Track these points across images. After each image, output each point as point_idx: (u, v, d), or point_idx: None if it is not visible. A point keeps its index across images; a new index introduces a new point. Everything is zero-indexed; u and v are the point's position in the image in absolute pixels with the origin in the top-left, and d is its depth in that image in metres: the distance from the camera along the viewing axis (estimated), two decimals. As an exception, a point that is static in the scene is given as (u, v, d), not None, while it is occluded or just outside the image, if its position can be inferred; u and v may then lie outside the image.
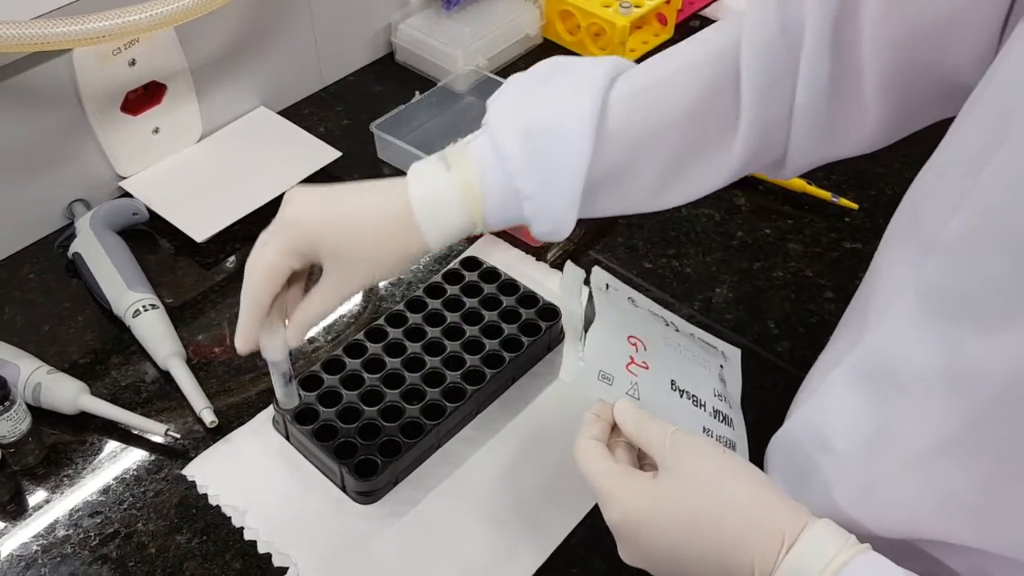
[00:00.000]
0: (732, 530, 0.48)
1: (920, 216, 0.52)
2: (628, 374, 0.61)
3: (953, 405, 0.47)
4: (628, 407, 0.55)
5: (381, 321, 0.78)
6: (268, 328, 0.66)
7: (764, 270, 0.88)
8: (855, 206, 0.94)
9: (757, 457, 0.67)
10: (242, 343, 0.61)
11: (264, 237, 0.60)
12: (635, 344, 0.63)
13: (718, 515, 0.49)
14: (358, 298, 0.86)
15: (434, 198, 0.58)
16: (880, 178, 0.97)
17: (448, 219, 0.58)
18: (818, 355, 0.66)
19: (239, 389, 0.78)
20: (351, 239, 0.58)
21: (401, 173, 1.02)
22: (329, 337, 0.83)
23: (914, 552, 0.53)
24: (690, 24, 1.21)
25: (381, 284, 0.87)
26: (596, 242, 0.91)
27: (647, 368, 0.62)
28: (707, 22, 1.21)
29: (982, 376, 0.44)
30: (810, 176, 0.94)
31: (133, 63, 0.88)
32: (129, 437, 0.75)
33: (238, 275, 0.87)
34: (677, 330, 0.72)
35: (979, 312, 0.45)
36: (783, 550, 0.46)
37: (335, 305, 0.60)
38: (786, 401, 0.69)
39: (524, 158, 0.57)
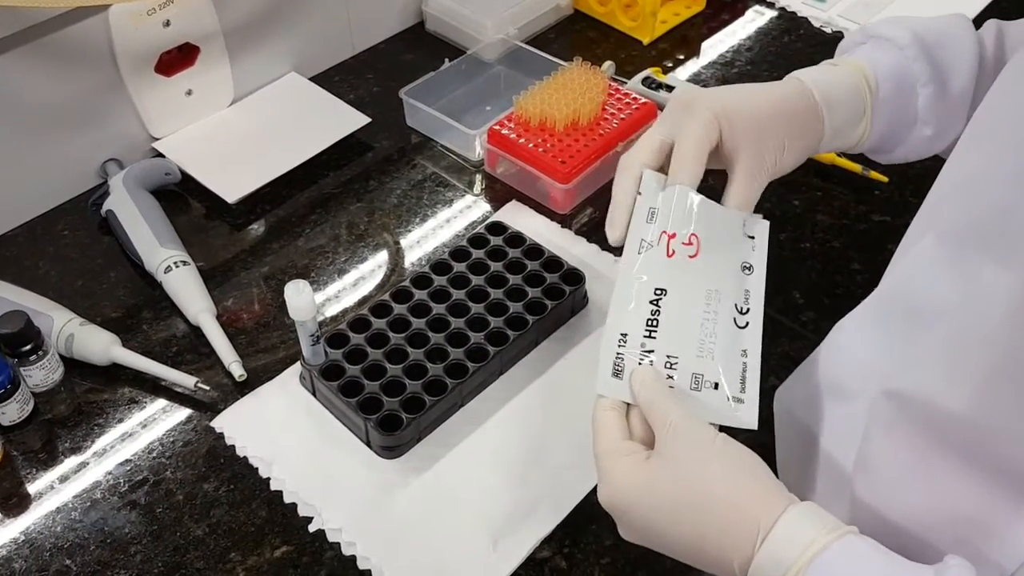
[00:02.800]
0: (711, 520, 0.48)
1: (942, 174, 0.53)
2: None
3: (970, 337, 0.46)
4: (646, 377, 0.55)
5: (406, 283, 0.79)
6: (296, 289, 0.67)
7: (791, 240, 0.88)
8: (885, 179, 0.93)
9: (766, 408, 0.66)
10: (614, 234, 0.62)
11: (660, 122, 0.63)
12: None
13: (698, 505, 0.49)
14: (384, 262, 0.87)
15: (828, 82, 0.63)
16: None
17: (843, 103, 0.63)
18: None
19: (268, 347, 0.80)
20: (760, 119, 0.61)
21: (429, 140, 1.04)
22: (356, 299, 0.83)
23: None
24: (722, -3, 1.21)
25: (407, 247, 0.88)
26: (622, 210, 0.91)
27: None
28: (739, -4, 1.21)
29: (997, 303, 0.44)
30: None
31: (167, 24, 0.89)
32: (159, 389, 0.77)
33: (268, 236, 0.89)
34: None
35: (994, 241, 0.45)
36: (759, 540, 0.47)
37: (755, 193, 0.61)
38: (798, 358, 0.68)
39: (919, 47, 0.64)
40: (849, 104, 0.64)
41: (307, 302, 0.68)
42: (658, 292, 0.59)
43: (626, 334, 0.58)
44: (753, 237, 0.64)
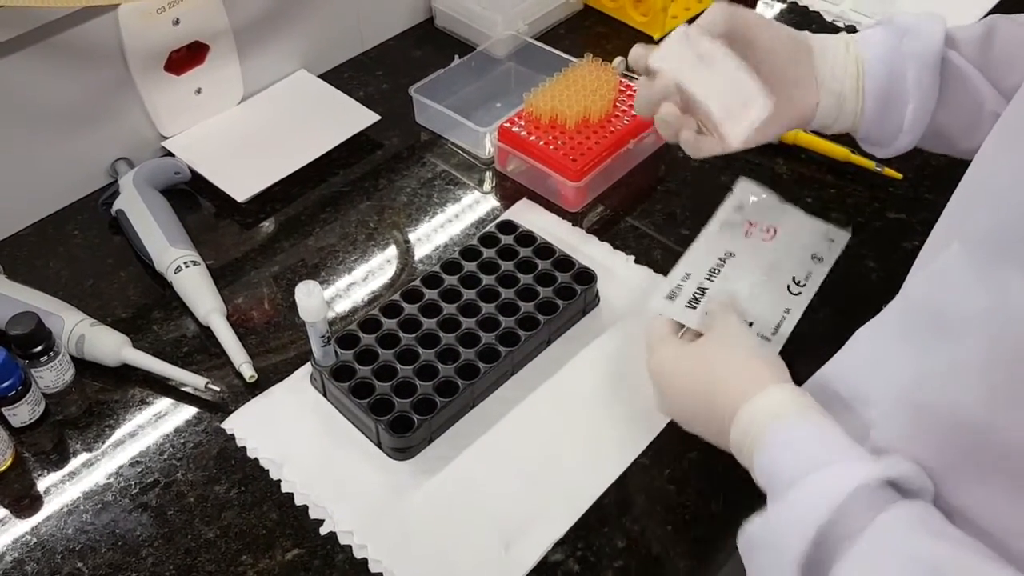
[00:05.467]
0: (720, 380, 0.61)
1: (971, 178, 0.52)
2: None
3: (997, 348, 0.46)
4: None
5: (417, 282, 0.79)
6: (306, 291, 0.66)
7: (804, 239, 0.87)
8: (899, 176, 0.92)
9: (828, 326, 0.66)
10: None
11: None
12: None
13: (713, 370, 0.62)
14: (394, 261, 0.87)
15: (826, 45, 0.71)
16: (926, 149, 0.96)
17: (834, 58, 0.70)
18: (860, 323, 0.65)
19: (278, 347, 0.79)
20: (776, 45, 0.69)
21: (439, 137, 1.04)
22: (366, 298, 0.83)
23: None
24: (734, -8, 1.19)
25: (417, 246, 0.88)
26: (633, 208, 0.91)
27: None
28: (751, -10, 1.19)
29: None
30: (854, 145, 0.93)
31: (177, 22, 0.89)
32: (170, 390, 0.76)
33: (279, 235, 0.89)
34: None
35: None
36: (744, 401, 0.58)
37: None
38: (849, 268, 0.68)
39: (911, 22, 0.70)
40: (839, 57, 0.70)
41: (318, 303, 0.68)
42: (728, 254, 0.73)
43: (689, 274, 0.72)
44: (833, 240, 0.76)
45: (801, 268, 0.74)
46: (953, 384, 0.48)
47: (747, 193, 0.77)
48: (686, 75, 0.64)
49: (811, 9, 1.16)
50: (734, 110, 0.64)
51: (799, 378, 0.65)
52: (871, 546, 0.47)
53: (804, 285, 0.74)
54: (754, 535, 0.54)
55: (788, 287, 0.73)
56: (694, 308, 0.70)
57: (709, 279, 0.72)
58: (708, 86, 0.64)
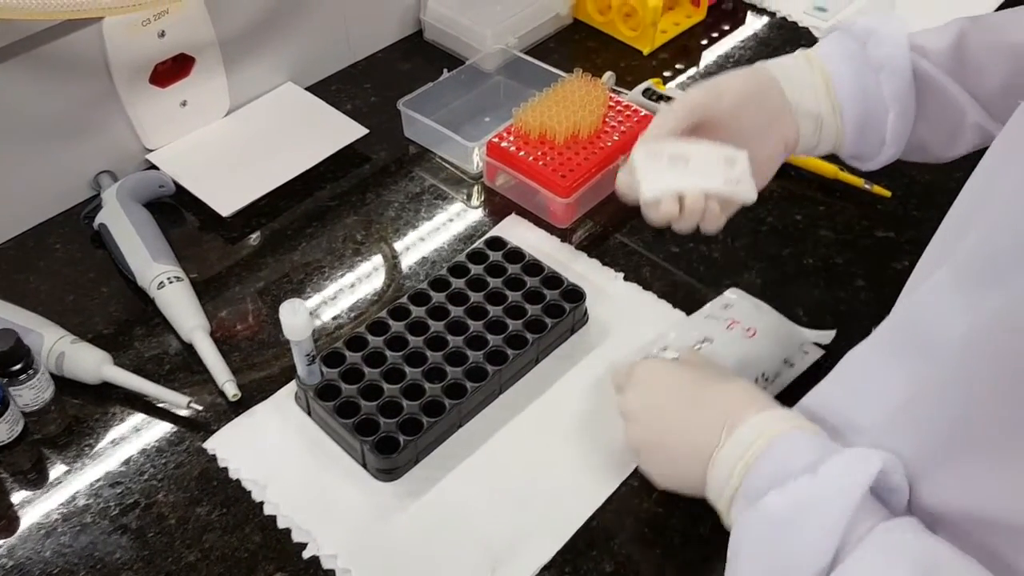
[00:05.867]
0: (710, 397, 0.61)
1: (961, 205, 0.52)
2: None
3: (977, 367, 0.46)
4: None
5: (404, 300, 0.78)
6: (291, 309, 0.65)
7: (794, 256, 0.87)
8: (888, 193, 0.92)
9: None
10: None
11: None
12: None
13: (695, 394, 0.63)
14: (381, 276, 0.86)
15: (786, 64, 0.70)
16: (914, 165, 0.95)
17: (802, 80, 0.69)
18: (848, 344, 0.65)
19: (262, 363, 0.78)
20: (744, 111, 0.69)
21: (427, 151, 1.03)
22: (352, 315, 0.82)
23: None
24: (722, 6, 1.19)
25: (405, 262, 0.87)
26: (623, 225, 0.90)
27: None
28: (740, 3, 1.19)
29: (1008, 331, 0.43)
30: (842, 162, 0.92)
31: (162, 35, 0.88)
32: (151, 408, 0.75)
33: (264, 250, 0.87)
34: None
35: (1010, 271, 0.44)
36: (741, 422, 0.57)
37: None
38: (819, 372, 0.67)
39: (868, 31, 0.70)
40: (807, 79, 0.69)
41: (303, 322, 0.67)
42: (706, 339, 0.73)
43: (666, 347, 0.73)
44: (807, 353, 0.76)
45: (772, 366, 0.74)
46: (939, 402, 0.48)
47: (736, 295, 0.78)
48: (679, 184, 0.64)
49: (801, 25, 1.16)
50: (731, 176, 0.65)
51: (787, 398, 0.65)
52: (880, 542, 0.47)
53: (771, 382, 0.74)
54: (775, 514, 0.51)
55: (756, 380, 0.73)
56: None
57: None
58: (700, 177, 0.64)
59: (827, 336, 0.77)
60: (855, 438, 0.55)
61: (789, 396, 0.73)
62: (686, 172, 0.63)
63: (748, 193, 0.65)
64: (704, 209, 0.66)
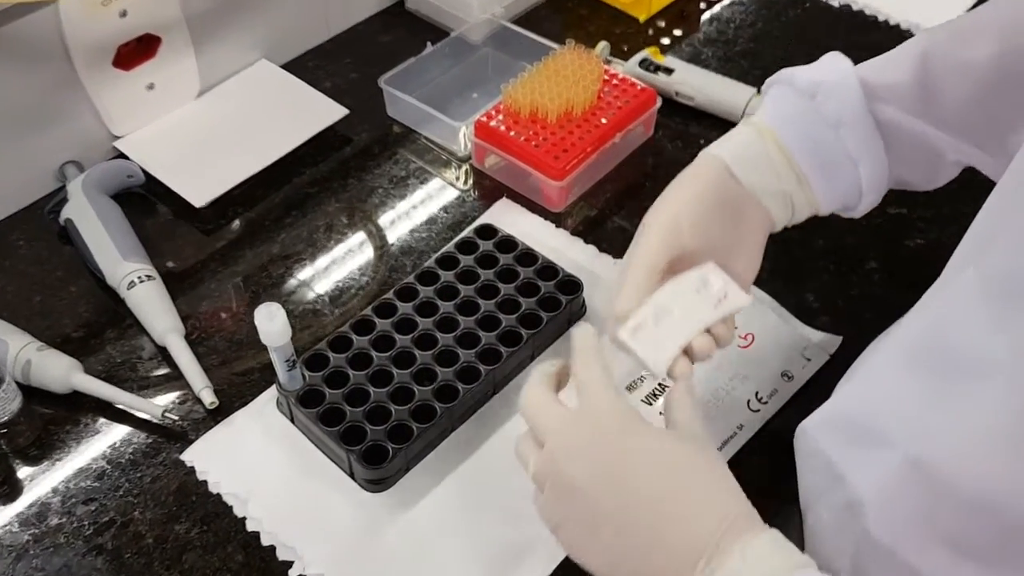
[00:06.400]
0: (677, 511, 0.47)
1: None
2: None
3: (1014, 391, 0.42)
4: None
5: (390, 295, 0.73)
6: (267, 314, 0.61)
7: (802, 238, 0.82)
8: (900, 167, 0.87)
9: (783, 440, 0.62)
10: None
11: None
12: None
13: (666, 495, 0.47)
14: (366, 269, 0.81)
15: (742, 155, 0.61)
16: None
17: (755, 156, 0.61)
18: (860, 330, 0.62)
19: (242, 364, 0.74)
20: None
21: (412, 132, 0.98)
22: (335, 311, 0.78)
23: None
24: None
25: (390, 252, 0.82)
26: (621, 207, 0.85)
27: None
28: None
29: None
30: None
31: (124, 14, 0.82)
32: (125, 417, 0.71)
33: (241, 241, 0.83)
34: None
35: None
36: (704, 562, 0.44)
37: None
38: (825, 382, 0.64)
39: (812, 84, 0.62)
40: (763, 170, 0.61)
41: (280, 327, 0.62)
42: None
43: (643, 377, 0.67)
44: (810, 360, 0.71)
45: (767, 384, 0.70)
46: (968, 440, 0.44)
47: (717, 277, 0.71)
48: (681, 341, 0.57)
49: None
50: (715, 296, 0.58)
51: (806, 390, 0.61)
52: None
53: (766, 403, 0.70)
54: None
55: (748, 402, 0.69)
56: (649, 405, 0.69)
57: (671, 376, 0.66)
58: (692, 319, 0.57)
59: (832, 343, 0.73)
60: (884, 453, 0.51)
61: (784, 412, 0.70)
62: (677, 323, 0.57)
63: (740, 301, 0.58)
64: (710, 348, 0.58)
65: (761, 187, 0.61)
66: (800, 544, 0.58)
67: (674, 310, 0.56)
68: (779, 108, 0.63)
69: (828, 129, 0.61)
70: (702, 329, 0.57)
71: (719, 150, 0.62)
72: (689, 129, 0.93)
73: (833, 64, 0.63)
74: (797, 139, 0.61)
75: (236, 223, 0.85)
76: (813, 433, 0.60)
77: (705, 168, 0.61)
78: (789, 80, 0.63)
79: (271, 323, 0.62)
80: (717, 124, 0.92)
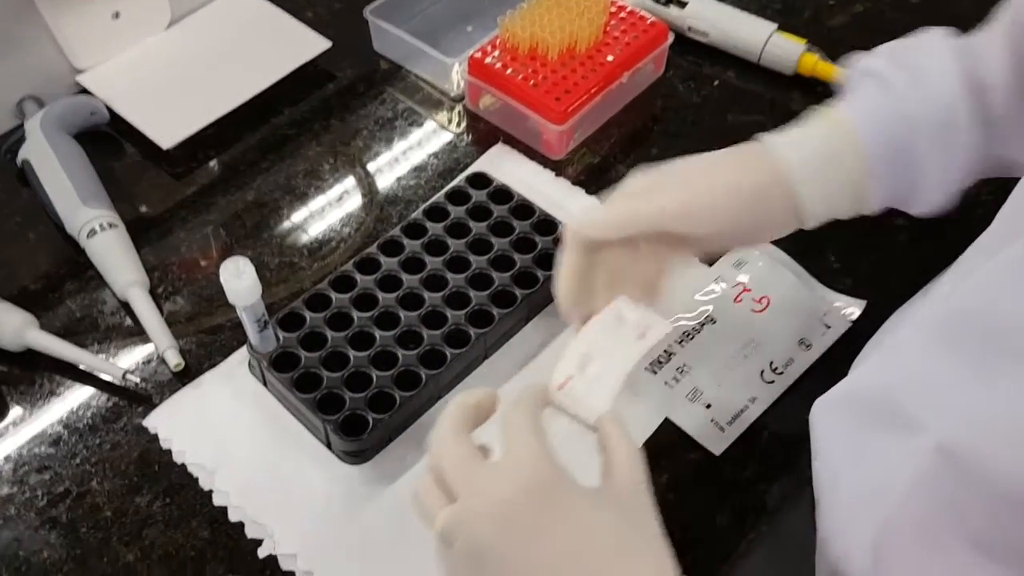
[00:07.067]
0: None
1: None
2: None
3: None
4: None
5: (373, 249, 0.67)
6: (234, 270, 0.55)
7: (823, 191, 0.76)
8: (931, 114, 0.80)
9: (798, 416, 0.56)
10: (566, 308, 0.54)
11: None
12: None
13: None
14: (348, 219, 0.75)
15: (809, 161, 0.53)
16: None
17: (828, 180, 0.53)
18: (885, 294, 0.57)
19: (212, 321, 0.68)
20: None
21: (401, 68, 0.90)
22: (314, 265, 0.71)
23: None
24: None
25: (375, 201, 0.76)
26: (626, 154, 0.78)
27: None
28: None
29: None
30: (879, 77, 0.80)
31: (81, -68, 0.74)
32: (83, 378, 0.65)
33: (213, 187, 0.76)
34: None
35: None
36: None
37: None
38: (846, 352, 0.58)
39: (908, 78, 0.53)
40: (834, 174, 0.53)
41: (248, 284, 0.56)
42: (709, 319, 0.66)
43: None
44: (830, 327, 0.66)
45: (783, 353, 0.65)
46: (1009, 428, 0.39)
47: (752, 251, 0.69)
48: (612, 389, 0.51)
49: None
50: (634, 330, 0.53)
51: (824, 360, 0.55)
52: None
53: (781, 373, 0.64)
54: None
55: (762, 372, 0.64)
56: (654, 373, 0.64)
57: (680, 343, 0.65)
58: (618, 361, 0.52)
59: (856, 307, 0.67)
60: (913, 437, 0.46)
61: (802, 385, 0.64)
62: (603, 369, 0.51)
63: (662, 329, 0.53)
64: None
65: (821, 212, 0.54)
66: (813, 526, 0.53)
67: (597, 354, 0.51)
68: (868, 108, 0.54)
69: (925, 144, 0.53)
70: (632, 367, 0.51)
71: (788, 151, 0.53)
72: (703, 69, 0.85)
73: (932, 50, 0.54)
74: (886, 161, 0.53)
75: (208, 166, 0.78)
76: (832, 410, 0.55)
77: (753, 164, 0.53)
78: (881, 75, 0.54)
79: (238, 280, 0.55)
80: (734, 62, 0.85)
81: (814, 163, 0.53)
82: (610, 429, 0.47)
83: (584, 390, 0.50)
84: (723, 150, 0.54)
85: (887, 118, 0.53)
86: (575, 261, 0.53)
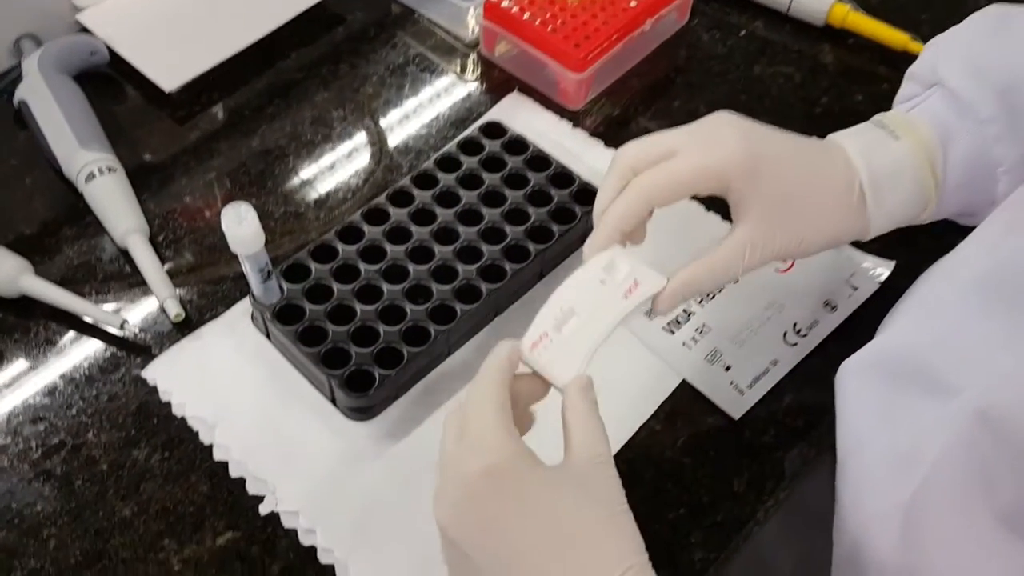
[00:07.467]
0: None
1: None
2: None
3: None
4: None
5: (382, 199, 0.64)
6: (235, 216, 0.52)
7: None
8: (968, 70, 0.76)
9: (822, 381, 0.54)
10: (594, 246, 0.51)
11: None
12: None
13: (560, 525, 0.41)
14: (356, 168, 0.72)
15: (882, 166, 0.52)
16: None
17: (898, 196, 0.52)
18: (914, 255, 0.56)
19: (215, 272, 0.66)
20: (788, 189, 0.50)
21: (413, 12, 0.87)
22: (321, 215, 0.69)
23: None
24: None
25: (384, 150, 0.73)
26: (648, 106, 0.75)
27: None
28: None
29: None
30: (914, 27, 0.77)
31: None
32: (80, 327, 0.63)
33: (216, 133, 0.73)
34: None
35: None
36: None
37: (736, 272, 0.50)
38: (873, 315, 0.56)
39: (1005, 121, 0.51)
40: (905, 193, 0.53)
41: (251, 231, 0.54)
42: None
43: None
44: (857, 288, 0.63)
45: (807, 316, 0.62)
46: None
47: None
48: (587, 348, 0.48)
49: None
50: (622, 283, 0.50)
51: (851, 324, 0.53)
52: None
53: (804, 336, 0.61)
54: None
55: (785, 334, 0.61)
56: (671, 333, 0.61)
57: (700, 302, 0.62)
58: (600, 317, 0.49)
59: (884, 268, 0.64)
60: (947, 401, 0.43)
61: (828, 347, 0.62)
62: (583, 326, 0.48)
63: (653, 286, 0.50)
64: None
65: (882, 211, 0.53)
66: (832, 494, 0.51)
67: (578, 310, 0.48)
68: (947, 122, 0.53)
69: (1003, 186, 0.53)
70: (612, 329, 0.48)
71: (860, 161, 0.52)
72: (729, 18, 0.81)
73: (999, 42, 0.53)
74: (962, 185, 0.53)
75: (211, 111, 0.75)
76: (860, 373, 0.52)
77: (827, 155, 0.53)
78: (955, 92, 0.53)
79: (240, 227, 0.53)
80: (761, 12, 0.81)
81: (888, 180, 0.52)
82: (571, 400, 0.45)
83: (557, 351, 0.47)
84: (818, 151, 0.53)
85: (971, 147, 0.52)
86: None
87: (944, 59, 0.55)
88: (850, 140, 0.53)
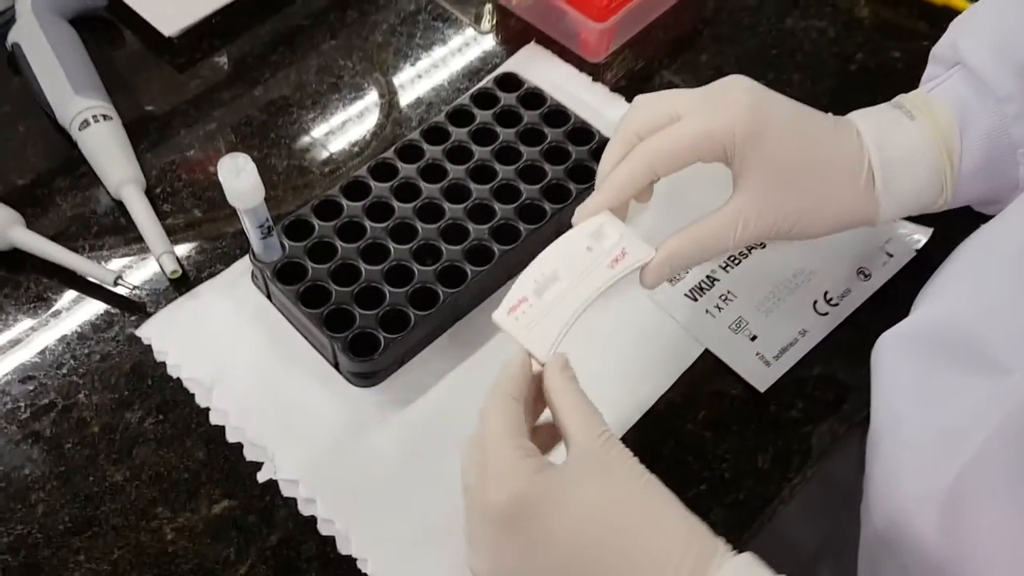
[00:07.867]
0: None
1: None
2: None
3: None
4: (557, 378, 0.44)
5: (390, 153, 0.61)
6: (233, 167, 0.49)
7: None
8: (1014, 27, 0.72)
9: (853, 352, 0.51)
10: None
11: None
12: None
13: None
14: (364, 121, 0.68)
15: (895, 152, 0.49)
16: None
17: (910, 181, 0.49)
18: (953, 221, 0.53)
19: (214, 228, 0.63)
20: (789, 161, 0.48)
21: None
22: (325, 171, 0.65)
23: None
24: None
25: (393, 103, 0.69)
26: (672, 60, 0.71)
27: None
28: None
29: None
30: (958, -16, 0.72)
31: None
32: (73, 282, 0.60)
33: (218, 82, 0.70)
34: None
35: None
36: None
37: (725, 246, 0.48)
38: (909, 284, 0.53)
39: (1022, 98, 0.48)
40: (917, 178, 0.50)
41: (249, 184, 0.50)
42: (758, 244, 0.60)
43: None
44: (892, 256, 0.60)
45: (839, 284, 0.59)
46: None
47: None
48: (566, 317, 0.46)
49: None
50: (609, 252, 0.48)
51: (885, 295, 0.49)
52: None
53: (836, 305, 0.58)
54: None
55: (815, 303, 0.58)
56: (694, 300, 0.58)
57: (725, 268, 0.59)
58: (581, 285, 0.47)
59: (921, 235, 0.60)
60: (1004, 378, 0.40)
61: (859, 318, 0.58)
62: (564, 292, 0.46)
63: (640, 256, 0.47)
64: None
65: (892, 196, 0.50)
66: (861, 472, 0.48)
67: (560, 275, 0.46)
68: (966, 101, 0.50)
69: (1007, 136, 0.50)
70: (593, 299, 0.46)
71: (871, 142, 0.49)
72: (760, -32, 0.77)
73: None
74: (981, 168, 0.50)
75: (213, 59, 0.72)
76: (900, 346, 0.49)
77: (840, 130, 0.50)
78: (975, 70, 0.50)
79: (237, 179, 0.50)
80: (794, -36, 0.77)
81: (901, 164, 0.50)
82: (553, 382, 0.43)
83: (534, 318, 0.45)
84: (828, 127, 0.50)
85: (993, 136, 0.50)
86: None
87: (965, 36, 0.52)
88: (864, 120, 0.51)
